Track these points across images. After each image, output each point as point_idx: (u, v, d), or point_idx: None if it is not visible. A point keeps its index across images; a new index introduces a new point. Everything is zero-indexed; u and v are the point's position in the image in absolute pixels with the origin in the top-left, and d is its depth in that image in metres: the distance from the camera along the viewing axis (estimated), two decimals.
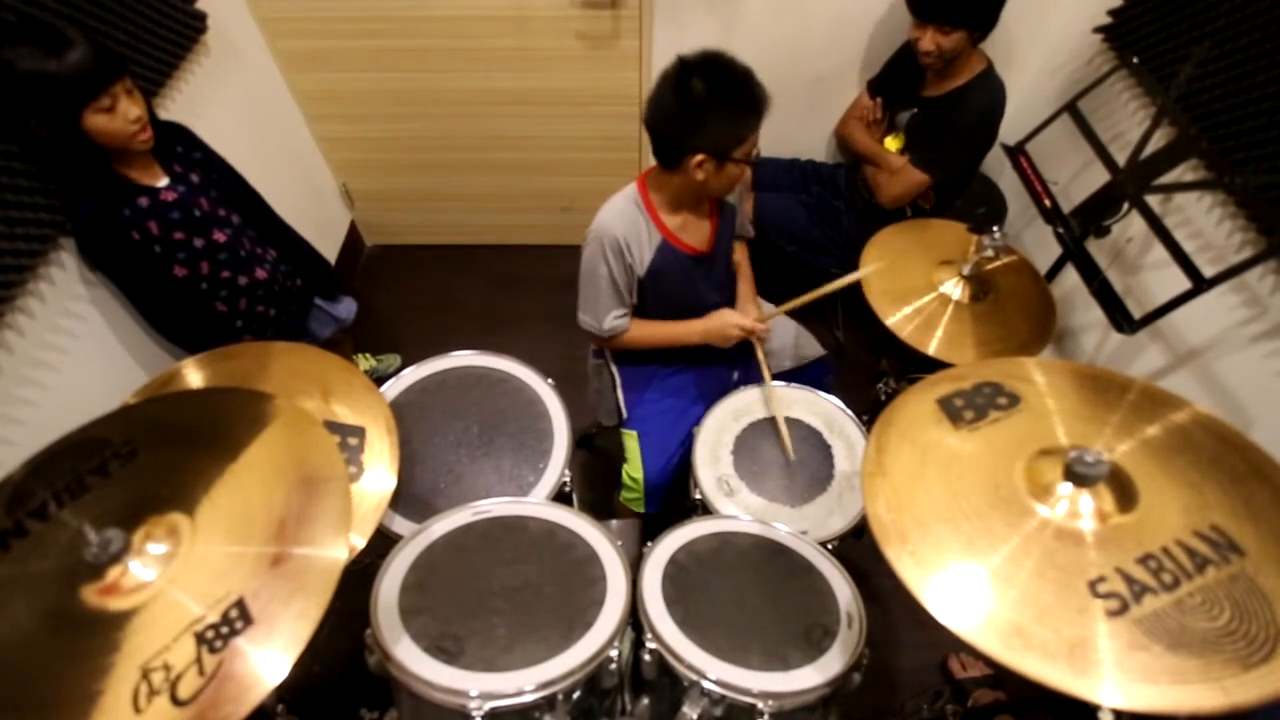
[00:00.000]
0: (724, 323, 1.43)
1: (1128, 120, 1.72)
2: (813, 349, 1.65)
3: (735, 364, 1.60)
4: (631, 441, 1.50)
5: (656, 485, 1.48)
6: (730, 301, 1.57)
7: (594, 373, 1.65)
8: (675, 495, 1.51)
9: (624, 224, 1.33)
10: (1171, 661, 0.69)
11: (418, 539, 1.11)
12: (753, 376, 1.59)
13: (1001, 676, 1.62)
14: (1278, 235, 1.26)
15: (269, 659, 0.72)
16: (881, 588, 1.63)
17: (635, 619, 1.07)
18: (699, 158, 1.22)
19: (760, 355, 1.49)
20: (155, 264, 1.34)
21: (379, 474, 1.08)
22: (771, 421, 1.42)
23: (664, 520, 1.27)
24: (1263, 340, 1.35)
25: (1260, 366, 1.36)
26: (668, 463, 1.47)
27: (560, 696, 0.95)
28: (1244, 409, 1.38)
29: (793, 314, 1.60)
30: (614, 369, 1.58)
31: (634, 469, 1.49)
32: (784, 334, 1.64)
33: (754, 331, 1.43)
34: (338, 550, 0.80)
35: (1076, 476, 0.81)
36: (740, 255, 1.59)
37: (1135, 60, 1.52)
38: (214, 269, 1.42)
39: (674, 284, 1.42)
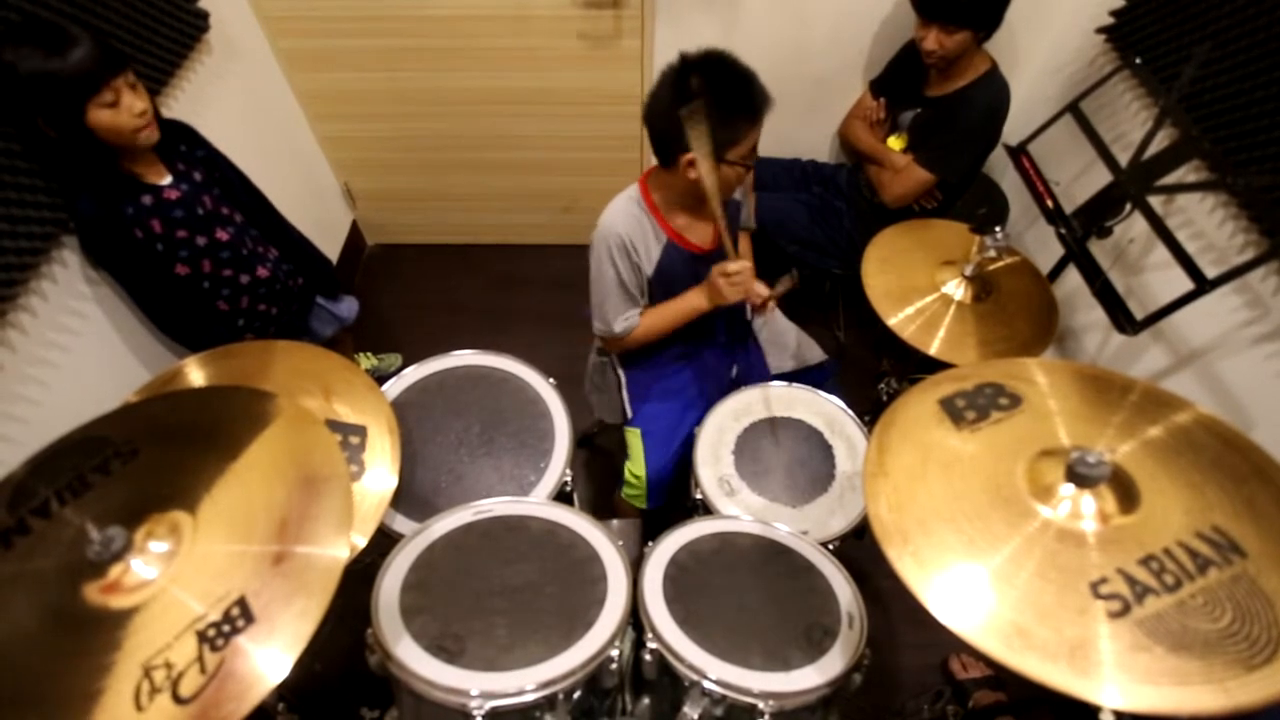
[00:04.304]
0: (712, 275, 1.32)
1: (1130, 121, 1.72)
2: (814, 353, 1.65)
3: (734, 358, 1.60)
4: (635, 439, 1.50)
5: (657, 481, 1.48)
6: None
7: (596, 370, 1.65)
8: (675, 493, 1.51)
9: (628, 224, 1.33)
10: (1173, 663, 0.69)
11: (419, 538, 1.11)
12: (751, 371, 1.59)
13: (1002, 677, 1.62)
14: (1279, 236, 1.26)
15: (270, 657, 0.72)
16: (882, 588, 1.63)
17: (636, 619, 1.07)
18: (690, 156, 1.20)
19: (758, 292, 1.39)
20: (157, 262, 1.34)
21: (380, 473, 1.08)
22: (770, 422, 1.42)
23: (665, 520, 1.27)
24: (1265, 341, 1.35)
25: (1262, 367, 1.35)
26: (670, 459, 1.47)
27: (561, 696, 0.95)
28: (1246, 410, 1.38)
29: (794, 316, 1.60)
30: (619, 370, 1.58)
31: (636, 466, 1.49)
32: (785, 337, 1.64)
33: (736, 274, 1.31)
34: (339, 549, 0.80)
35: (1078, 477, 0.81)
36: (743, 246, 1.59)
37: (1138, 61, 1.52)
38: (216, 267, 1.42)
39: (682, 283, 1.42)
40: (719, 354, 1.59)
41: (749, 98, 1.19)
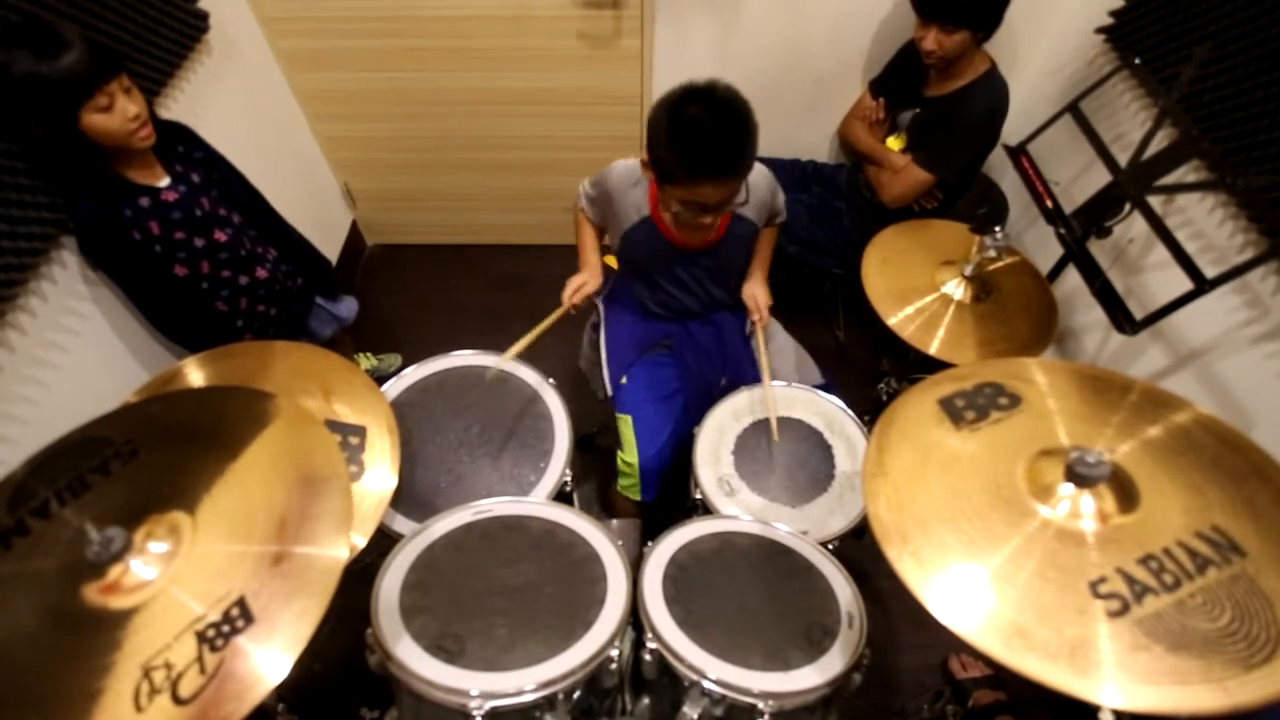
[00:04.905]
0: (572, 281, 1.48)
1: (1129, 121, 1.72)
2: (813, 375, 1.62)
3: (725, 369, 1.59)
4: (626, 427, 1.50)
5: (650, 469, 1.47)
6: (705, 306, 1.60)
7: (589, 345, 1.67)
8: (673, 490, 1.51)
9: (621, 181, 1.41)
10: (1172, 662, 0.69)
11: (418, 538, 1.11)
12: (745, 382, 1.58)
13: (1002, 677, 1.62)
14: (1279, 236, 1.26)
15: (270, 658, 0.72)
16: (882, 588, 1.63)
17: (636, 619, 1.07)
18: (646, 156, 1.25)
19: (761, 346, 1.48)
20: (156, 263, 1.34)
21: (380, 473, 1.08)
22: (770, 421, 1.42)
23: (664, 520, 1.27)
24: (1264, 341, 1.35)
25: (1261, 367, 1.35)
26: (660, 447, 1.46)
27: (561, 696, 0.95)
28: (1245, 410, 1.38)
29: (794, 314, 1.59)
30: (603, 345, 1.59)
31: (629, 454, 1.48)
32: (785, 356, 1.61)
33: (572, 291, 1.46)
34: (339, 549, 0.80)
35: (1078, 477, 0.81)
36: (763, 239, 1.59)
37: (1137, 61, 1.52)
38: (214, 268, 1.42)
39: (643, 256, 1.47)
40: (706, 360, 1.58)
41: (703, 159, 1.17)
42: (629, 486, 1.52)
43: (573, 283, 1.47)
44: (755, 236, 1.53)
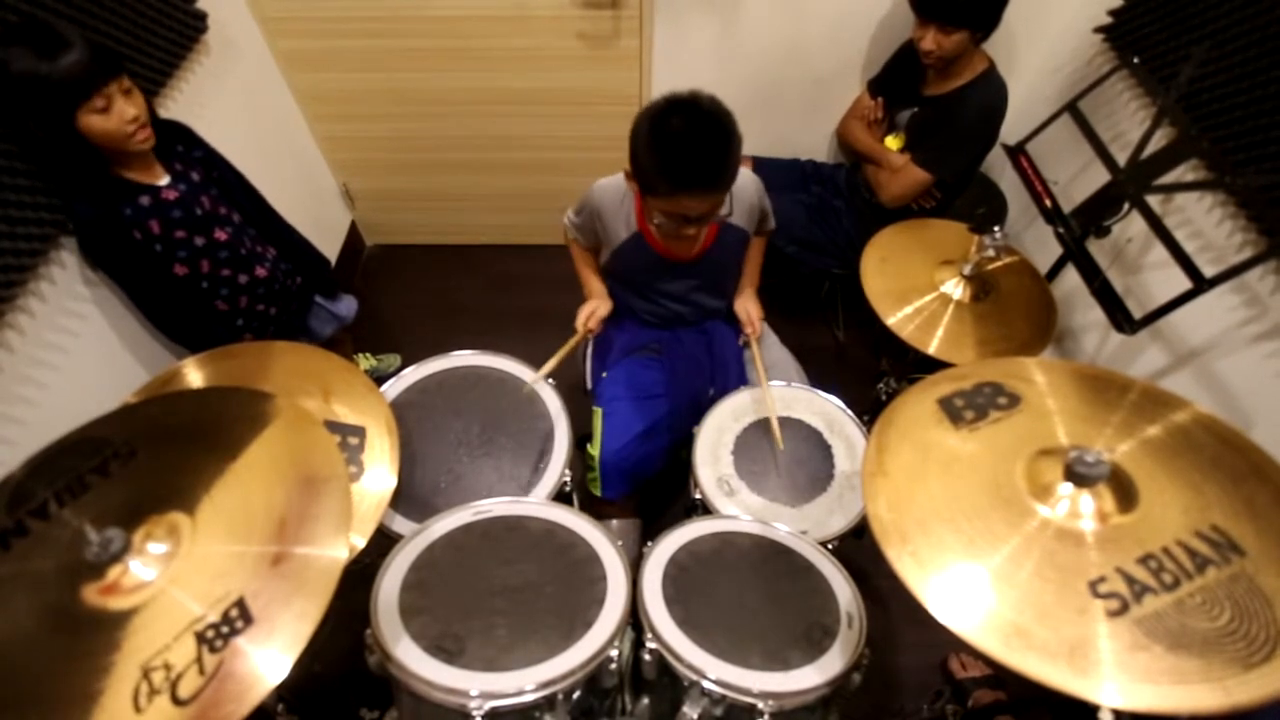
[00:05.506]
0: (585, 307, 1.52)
1: (1128, 120, 1.72)
2: None
3: (713, 379, 1.58)
4: (597, 420, 1.50)
5: (609, 465, 1.46)
6: (698, 315, 1.60)
7: (584, 342, 1.68)
8: (657, 491, 1.50)
9: (608, 199, 1.42)
10: (1172, 662, 0.69)
11: (418, 538, 1.11)
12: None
13: (1002, 676, 1.62)
14: (1278, 236, 1.26)
15: (269, 658, 0.72)
16: (882, 588, 1.63)
17: (635, 619, 1.07)
18: (629, 169, 1.25)
19: (756, 355, 1.49)
20: (156, 263, 1.34)
21: (379, 473, 1.08)
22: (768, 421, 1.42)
23: (663, 520, 1.27)
24: (1263, 340, 1.35)
25: (1261, 367, 1.35)
26: (624, 445, 1.46)
27: (560, 696, 0.95)
28: (1245, 409, 1.38)
29: (793, 315, 1.59)
30: (592, 339, 1.60)
31: (595, 447, 1.49)
32: (786, 373, 1.61)
33: (585, 317, 1.50)
34: (338, 550, 0.80)
35: (1077, 476, 0.81)
36: (752, 250, 1.59)
37: (1136, 60, 1.52)
38: (214, 267, 1.42)
39: (634, 271, 1.48)
40: (694, 367, 1.58)
41: (684, 169, 1.16)
42: (592, 480, 1.53)
43: (584, 310, 1.50)
44: (746, 243, 1.52)
